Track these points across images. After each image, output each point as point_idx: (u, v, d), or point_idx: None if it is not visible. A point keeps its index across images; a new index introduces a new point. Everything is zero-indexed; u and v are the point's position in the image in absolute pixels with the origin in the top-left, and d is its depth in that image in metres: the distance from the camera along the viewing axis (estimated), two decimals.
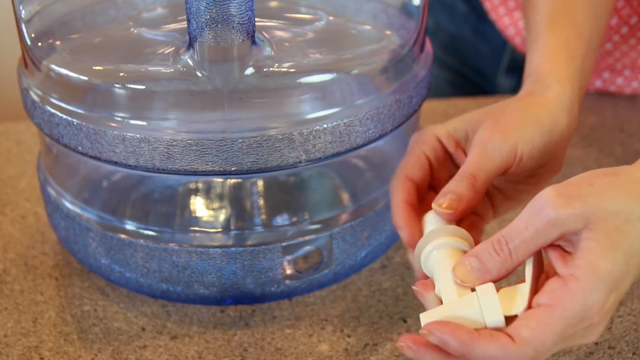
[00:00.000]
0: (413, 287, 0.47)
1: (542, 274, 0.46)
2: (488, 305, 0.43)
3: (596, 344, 0.54)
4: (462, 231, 0.47)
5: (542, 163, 0.52)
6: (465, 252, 0.47)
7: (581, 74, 0.56)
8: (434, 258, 0.47)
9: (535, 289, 0.44)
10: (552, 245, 0.44)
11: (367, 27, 0.64)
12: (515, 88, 0.92)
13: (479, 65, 0.95)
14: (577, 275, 0.42)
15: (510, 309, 0.43)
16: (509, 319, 0.43)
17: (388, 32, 0.62)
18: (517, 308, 0.43)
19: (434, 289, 0.46)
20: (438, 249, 0.47)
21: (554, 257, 0.43)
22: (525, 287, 0.44)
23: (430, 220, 0.49)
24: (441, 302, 0.45)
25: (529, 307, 0.43)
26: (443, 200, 0.48)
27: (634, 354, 0.54)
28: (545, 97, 0.53)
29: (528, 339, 0.42)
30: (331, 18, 0.62)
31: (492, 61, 0.93)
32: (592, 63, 0.59)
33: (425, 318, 0.44)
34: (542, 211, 0.42)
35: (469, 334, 0.42)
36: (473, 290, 0.44)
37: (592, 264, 0.41)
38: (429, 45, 0.62)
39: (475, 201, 0.48)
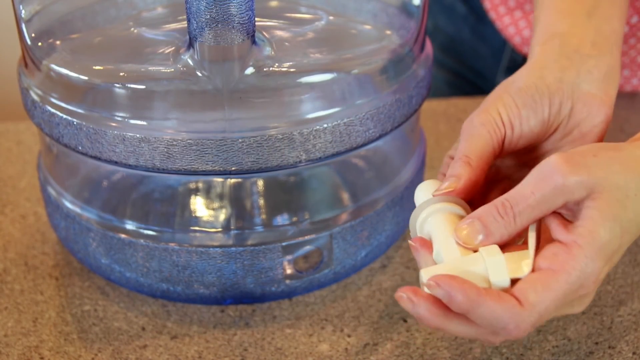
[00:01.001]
0: (409, 242, 0.46)
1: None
2: (494, 266, 0.42)
3: (596, 343, 0.55)
4: (455, 197, 0.47)
5: (549, 119, 0.51)
6: (461, 216, 0.46)
7: (585, 24, 0.54)
8: (431, 223, 0.46)
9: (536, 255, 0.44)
10: (553, 213, 0.44)
11: (367, 26, 0.64)
12: None
13: (478, 66, 0.95)
14: (580, 242, 0.42)
15: (515, 272, 0.43)
16: (512, 282, 0.43)
17: (388, 32, 0.62)
18: (522, 271, 0.43)
19: (432, 249, 0.45)
20: (434, 214, 0.46)
21: (554, 224, 0.44)
22: (529, 252, 0.43)
23: (421, 194, 0.49)
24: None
25: (533, 271, 0.43)
26: (445, 186, 0.47)
27: (634, 353, 0.54)
28: (529, 62, 0.53)
29: (535, 303, 0.42)
30: (331, 18, 0.62)
31: (492, 62, 0.93)
32: (615, 7, 0.55)
33: (427, 273, 0.42)
34: (550, 177, 0.43)
35: (477, 291, 0.41)
36: (475, 252, 0.44)
37: (594, 232, 0.42)
38: (429, 45, 0.62)
39: (476, 177, 0.47)
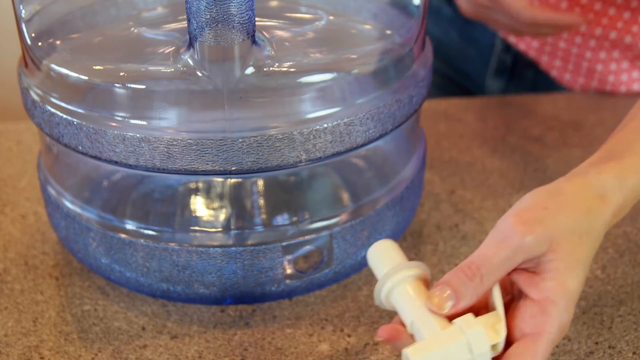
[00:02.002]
0: (377, 339, 0.47)
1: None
2: (475, 338, 0.44)
3: (596, 343, 0.55)
4: (413, 262, 0.48)
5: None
6: (424, 279, 0.48)
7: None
8: (398, 294, 0.47)
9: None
10: (517, 270, 0.46)
11: (368, 26, 0.64)
12: (503, 90, 0.92)
13: (466, 68, 0.95)
14: (552, 298, 0.45)
15: (493, 338, 0.45)
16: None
17: (388, 32, 0.62)
18: (499, 335, 0.45)
19: (403, 335, 0.46)
20: (398, 285, 0.47)
21: (521, 280, 0.46)
22: (499, 313, 0.45)
23: (377, 258, 0.50)
24: (413, 339, 0.46)
25: (508, 333, 0.45)
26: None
27: (634, 353, 0.54)
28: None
29: None
30: (331, 17, 0.62)
31: (480, 64, 0.92)
32: None
33: (413, 354, 0.43)
34: (509, 238, 0.45)
35: None
36: (451, 319, 0.45)
37: (563, 284, 0.45)
38: (429, 45, 0.62)
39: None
